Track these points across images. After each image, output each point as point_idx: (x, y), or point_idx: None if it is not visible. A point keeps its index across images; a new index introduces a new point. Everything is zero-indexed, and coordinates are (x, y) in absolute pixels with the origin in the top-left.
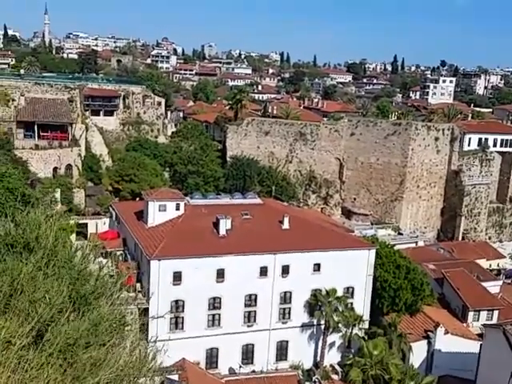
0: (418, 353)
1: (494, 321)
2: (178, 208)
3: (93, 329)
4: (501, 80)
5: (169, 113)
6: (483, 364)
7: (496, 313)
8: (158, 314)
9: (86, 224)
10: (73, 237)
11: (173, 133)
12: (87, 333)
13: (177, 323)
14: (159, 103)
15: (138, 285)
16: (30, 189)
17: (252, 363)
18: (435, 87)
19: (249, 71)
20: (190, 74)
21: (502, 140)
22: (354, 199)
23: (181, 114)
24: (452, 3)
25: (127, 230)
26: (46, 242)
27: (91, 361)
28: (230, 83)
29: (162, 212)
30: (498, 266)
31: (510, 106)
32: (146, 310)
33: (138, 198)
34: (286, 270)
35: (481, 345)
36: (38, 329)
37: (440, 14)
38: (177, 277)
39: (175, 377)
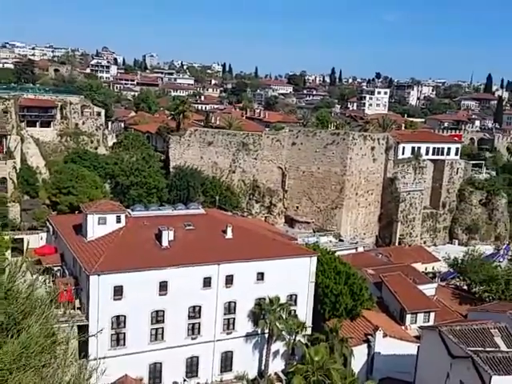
0: (358, 356)
1: (431, 323)
2: (118, 220)
3: (21, 352)
4: (432, 91)
5: (109, 123)
6: (421, 365)
7: (432, 315)
8: (98, 331)
9: (22, 239)
10: (8, 253)
11: (114, 144)
12: (18, 355)
13: (118, 339)
14: (99, 113)
15: (77, 301)
16: None
17: (197, 376)
18: (371, 98)
19: (191, 82)
20: (131, 84)
21: (434, 148)
22: (297, 207)
23: (122, 125)
24: (380, 19)
25: (65, 244)
26: None
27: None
28: (173, 93)
29: (101, 225)
30: (433, 269)
31: (442, 115)
32: (86, 326)
33: (76, 212)
34: (229, 280)
35: (418, 347)
36: None
37: (372, 28)
38: (118, 291)
39: None
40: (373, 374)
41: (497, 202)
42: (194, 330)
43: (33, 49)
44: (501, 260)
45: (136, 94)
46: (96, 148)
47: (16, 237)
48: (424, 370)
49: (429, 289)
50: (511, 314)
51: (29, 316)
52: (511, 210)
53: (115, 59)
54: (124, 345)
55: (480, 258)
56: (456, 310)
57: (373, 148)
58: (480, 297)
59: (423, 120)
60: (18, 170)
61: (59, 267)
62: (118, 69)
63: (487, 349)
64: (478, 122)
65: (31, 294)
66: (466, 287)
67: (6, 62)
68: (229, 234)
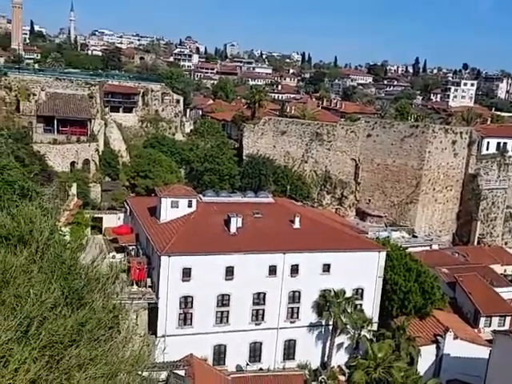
0: (426, 356)
1: (506, 327)
2: (190, 205)
3: (80, 326)
4: None
5: (187, 111)
6: (492, 370)
7: (508, 319)
8: (168, 310)
9: (101, 218)
10: (87, 230)
11: (191, 130)
12: (73, 330)
13: (185, 319)
14: (178, 101)
15: (149, 280)
16: (32, 182)
17: (259, 361)
18: (456, 90)
19: (269, 71)
20: (211, 73)
21: None
22: (369, 201)
23: (200, 112)
24: (476, 6)
25: (140, 225)
26: (41, 235)
27: (79, 358)
28: (251, 82)
29: (174, 208)
30: None
31: None
32: (156, 304)
33: (152, 194)
34: (295, 270)
35: (490, 351)
36: (27, 324)
37: (464, 16)
38: (186, 273)
39: (182, 372)
40: (440, 375)
41: None
42: (258, 316)
43: (120, 37)
44: None
45: (215, 82)
46: (174, 134)
47: (96, 216)
48: (495, 375)
49: (507, 292)
50: None
51: (92, 291)
52: None
53: (197, 48)
54: (191, 324)
55: None
56: None
57: (454, 142)
58: None
59: None
60: (100, 153)
61: (134, 246)
62: (199, 57)
63: None
64: None
65: (93, 270)
66: None
67: (94, 49)
68: (296, 224)
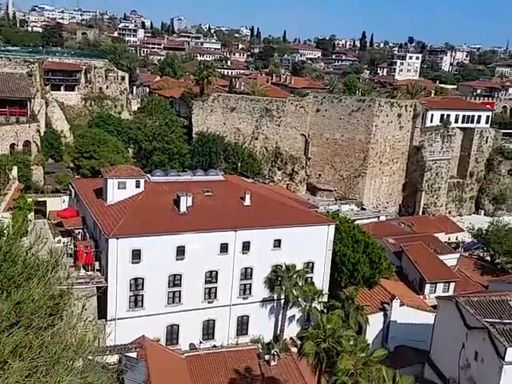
0: (374, 324)
1: (451, 293)
2: (137, 185)
3: (16, 312)
4: (466, 57)
5: (134, 88)
6: (437, 335)
7: (452, 285)
8: (117, 293)
9: (45, 202)
10: (31, 215)
11: (138, 108)
12: (9, 317)
13: (136, 301)
14: (123, 78)
15: (97, 263)
16: None
17: (213, 338)
18: (402, 64)
19: (218, 46)
20: (157, 49)
21: (464, 116)
22: (319, 175)
23: (147, 90)
24: None
25: (86, 207)
26: None
27: (14, 345)
28: (199, 58)
29: (121, 189)
30: (456, 239)
31: (475, 82)
32: (105, 288)
33: (99, 176)
34: (246, 247)
35: (435, 316)
36: None
37: None
38: (136, 255)
39: (133, 354)
40: (388, 341)
41: None
42: (210, 295)
43: (62, 12)
44: None
45: (162, 58)
46: (120, 113)
47: (39, 199)
48: (440, 340)
49: (450, 259)
50: None
51: (31, 279)
52: None
53: (143, 23)
54: (142, 306)
55: (505, 228)
56: (477, 281)
57: (400, 115)
58: (503, 268)
59: (455, 87)
60: (42, 134)
61: (80, 230)
62: (145, 32)
63: (504, 321)
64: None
65: (32, 256)
66: (488, 258)
67: (34, 26)
68: (247, 201)
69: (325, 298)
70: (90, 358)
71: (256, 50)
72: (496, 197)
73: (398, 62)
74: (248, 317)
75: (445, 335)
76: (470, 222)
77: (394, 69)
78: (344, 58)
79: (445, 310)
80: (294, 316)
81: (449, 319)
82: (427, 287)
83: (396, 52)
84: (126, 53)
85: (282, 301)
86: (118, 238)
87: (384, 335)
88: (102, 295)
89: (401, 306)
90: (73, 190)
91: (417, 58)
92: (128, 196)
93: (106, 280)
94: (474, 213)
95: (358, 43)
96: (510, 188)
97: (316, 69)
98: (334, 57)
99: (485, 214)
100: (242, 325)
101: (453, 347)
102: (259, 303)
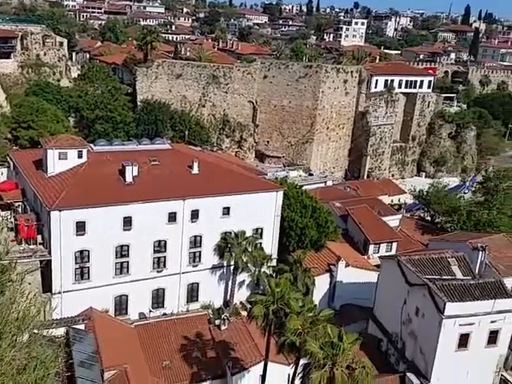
0: (321, 285)
1: (393, 252)
2: (80, 156)
3: None
4: (410, 22)
5: (73, 54)
6: (380, 292)
7: (395, 245)
8: (62, 266)
9: None
10: None
11: (78, 76)
12: None
13: (82, 273)
14: (61, 44)
15: (40, 237)
16: None
17: (163, 307)
18: (348, 29)
19: (162, 10)
20: (98, 13)
21: (407, 81)
22: (268, 142)
23: (87, 56)
24: None
25: (25, 180)
26: None
27: None
28: (142, 23)
29: (62, 160)
30: (399, 201)
31: (418, 47)
32: (49, 262)
33: (39, 146)
34: (195, 215)
35: (378, 275)
36: None
37: None
38: (80, 227)
39: (81, 326)
40: (334, 301)
41: (465, 134)
42: (159, 264)
43: None
44: (466, 192)
45: (103, 22)
46: (59, 80)
47: None
48: (383, 297)
49: (393, 220)
50: (470, 244)
51: None
52: (479, 143)
53: None
54: (88, 278)
55: (444, 189)
56: (418, 240)
57: (345, 81)
58: (442, 227)
59: (399, 52)
60: None
61: (21, 203)
62: None
63: (443, 277)
64: (453, 55)
65: None
66: (429, 218)
67: None
68: (195, 170)
69: (274, 263)
70: (35, 331)
71: (201, 15)
72: (437, 159)
73: (344, 27)
74: (198, 284)
75: (387, 292)
76: (411, 184)
77: (340, 34)
78: (291, 23)
79: (387, 269)
80: (243, 281)
81: (391, 277)
82: (371, 248)
83: (342, 17)
84: (65, 18)
85: (232, 267)
86: (60, 211)
87: (330, 295)
88: (47, 269)
89: (346, 266)
90: (11, 161)
91: (362, 24)
92: (70, 167)
93: (50, 253)
94: (416, 175)
95: (304, 8)
96: (450, 151)
97: (263, 34)
98: (280, 22)
99: (426, 176)
100: (192, 292)
101: (395, 304)
102: (209, 270)
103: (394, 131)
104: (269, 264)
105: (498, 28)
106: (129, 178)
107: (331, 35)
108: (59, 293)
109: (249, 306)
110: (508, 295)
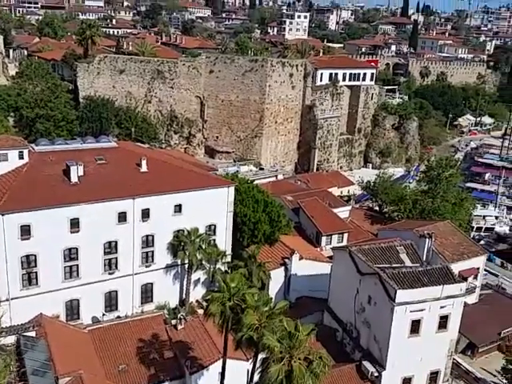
0: (276, 279)
1: (345, 243)
2: (21, 156)
3: None
4: (351, 15)
5: (10, 51)
6: (333, 283)
7: (346, 235)
8: (8, 272)
9: None
10: None
11: (16, 73)
12: None
13: (30, 279)
14: None
15: None
16: None
17: (116, 309)
18: (291, 23)
19: (101, 4)
20: (34, 7)
21: (351, 74)
22: (217, 137)
23: (25, 52)
24: None
25: None
26: None
27: None
28: (81, 17)
29: (2, 162)
30: (348, 192)
31: (360, 40)
32: None
33: None
34: (146, 214)
35: (331, 266)
36: None
37: None
38: (25, 230)
39: (32, 333)
40: (289, 294)
41: (408, 125)
42: (110, 266)
43: None
44: (411, 181)
45: (40, 18)
46: None
47: None
48: (336, 287)
49: (343, 211)
50: (417, 232)
51: None
52: (422, 133)
53: None
54: (37, 284)
55: (390, 180)
56: (368, 230)
57: (291, 75)
58: (390, 216)
59: (342, 45)
60: None
61: None
62: None
63: (393, 265)
64: (393, 47)
65: None
66: (377, 208)
67: None
68: (143, 167)
69: (228, 259)
70: None
71: (143, 8)
72: (382, 150)
73: (288, 21)
74: (152, 284)
75: (340, 283)
76: (359, 175)
77: (284, 28)
78: (234, 16)
79: (339, 260)
80: (198, 279)
81: (343, 268)
82: (323, 239)
83: (285, 11)
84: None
85: (186, 265)
86: (3, 215)
87: (286, 288)
88: None
89: (300, 259)
90: None
91: (305, 17)
92: (11, 169)
93: None
94: (363, 166)
95: (247, 1)
96: (394, 142)
97: (207, 28)
98: (224, 15)
99: (372, 167)
100: (147, 293)
101: (348, 293)
102: (163, 270)
103: (341, 124)
104: (223, 260)
105: (436, 20)
106: (74, 178)
107: (275, 29)
108: (7, 300)
109: (205, 304)
110: (455, 280)
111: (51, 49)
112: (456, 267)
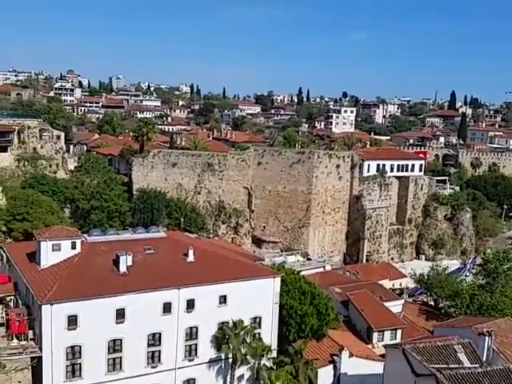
0: (324, 378)
1: (398, 339)
2: (73, 247)
3: None
4: (398, 109)
5: (71, 147)
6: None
7: (399, 332)
8: (53, 363)
9: None
10: None
11: (75, 167)
12: None
13: (74, 370)
14: (58, 137)
15: (31, 332)
16: None
17: None
18: (338, 117)
19: (158, 103)
20: (96, 107)
21: (399, 165)
22: (264, 227)
23: (84, 148)
24: (348, 39)
25: (18, 272)
26: None
27: None
28: (139, 115)
29: (55, 252)
30: (400, 285)
31: (407, 133)
32: (40, 358)
33: (33, 239)
34: (190, 305)
35: (384, 365)
36: None
37: (340, 47)
38: (72, 321)
39: None
40: None
41: (461, 216)
42: (154, 359)
43: None
44: (467, 274)
45: (100, 116)
46: (55, 172)
47: None
48: None
49: (396, 305)
50: (476, 329)
51: None
52: (476, 225)
53: (80, 82)
54: (80, 376)
55: (444, 272)
56: (423, 326)
57: (338, 166)
58: (446, 312)
59: (389, 137)
60: None
61: (12, 297)
62: (82, 91)
63: (450, 365)
64: (442, 139)
65: None
66: (432, 303)
67: None
68: (190, 257)
69: (274, 354)
70: None
71: (196, 107)
72: (435, 242)
73: (334, 115)
74: (195, 380)
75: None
76: (411, 267)
77: (331, 122)
78: (282, 112)
79: (392, 358)
80: (242, 375)
81: (397, 367)
82: (375, 335)
83: (331, 106)
84: (62, 112)
85: (230, 360)
86: (52, 304)
87: None
88: (38, 365)
89: (350, 356)
90: (4, 254)
91: (351, 112)
92: (63, 258)
93: (41, 349)
94: (415, 258)
95: (295, 98)
96: (448, 233)
97: (256, 123)
98: (272, 111)
99: (425, 259)
100: None
101: None
102: (206, 364)
103: (390, 214)
104: (269, 356)
105: (485, 112)
106: (123, 268)
107: (322, 123)
108: None
109: None
110: None
111: (109, 145)
112: None
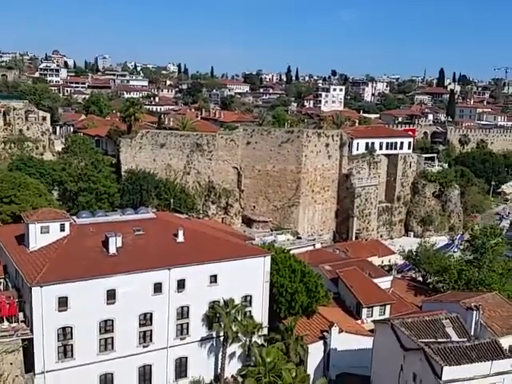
0: (315, 354)
1: (387, 315)
2: (62, 229)
3: None
4: (386, 87)
5: (57, 128)
6: (376, 359)
7: (388, 307)
8: (44, 344)
9: None
10: None
11: (62, 149)
12: None
13: (65, 351)
14: (44, 118)
15: (21, 314)
16: None
17: None
18: (327, 95)
19: (145, 83)
20: (82, 87)
21: (387, 143)
22: (254, 207)
23: (71, 129)
24: (337, 18)
25: (7, 255)
26: None
27: None
28: (126, 96)
29: (44, 234)
30: (389, 262)
31: (396, 110)
32: (31, 340)
33: (21, 221)
34: (181, 285)
35: (373, 340)
36: None
37: (329, 27)
38: (62, 302)
39: None
40: (329, 370)
41: (449, 193)
42: (145, 338)
43: None
44: (455, 250)
45: (87, 97)
46: (42, 154)
47: None
48: (379, 364)
49: (384, 282)
50: (463, 304)
51: None
52: (464, 201)
53: (65, 62)
54: (72, 356)
55: (432, 249)
56: (411, 302)
57: (327, 145)
58: (434, 287)
59: (378, 116)
60: None
61: (2, 280)
62: (68, 72)
63: (439, 340)
64: (431, 116)
65: None
66: (420, 278)
67: None
68: (180, 238)
69: (265, 331)
70: None
71: (184, 86)
72: (423, 218)
73: (323, 94)
74: (186, 358)
75: (384, 359)
76: (400, 244)
77: (320, 101)
78: (271, 91)
79: (381, 334)
80: (234, 353)
81: (386, 342)
82: (364, 311)
83: (320, 85)
84: (48, 93)
85: (222, 338)
86: (41, 286)
87: (325, 364)
88: (29, 347)
89: (340, 332)
90: None
91: (340, 90)
92: (52, 241)
93: (32, 331)
94: (404, 235)
95: (284, 77)
96: (436, 209)
97: (245, 103)
98: (261, 91)
99: (414, 236)
100: (181, 367)
101: (392, 370)
102: (198, 343)
103: (379, 192)
104: (260, 333)
105: (473, 89)
106: (112, 250)
107: (311, 102)
108: (42, 372)
109: (240, 379)
110: (505, 356)
111: (96, 125)
112: (506, 341)
